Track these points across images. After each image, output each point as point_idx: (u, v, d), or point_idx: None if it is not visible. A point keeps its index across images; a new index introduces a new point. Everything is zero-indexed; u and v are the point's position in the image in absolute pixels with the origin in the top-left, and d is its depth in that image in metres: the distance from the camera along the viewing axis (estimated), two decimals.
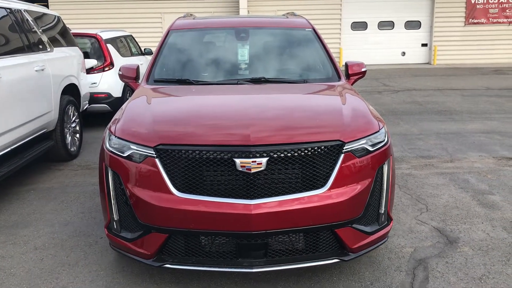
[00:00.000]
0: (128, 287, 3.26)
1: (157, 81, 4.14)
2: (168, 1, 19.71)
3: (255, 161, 2.79)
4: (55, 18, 6.75)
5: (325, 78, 4.18)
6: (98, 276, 3.41)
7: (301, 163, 2.88)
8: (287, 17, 5.08)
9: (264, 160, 2.80)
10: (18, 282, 3.34)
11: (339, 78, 4.19)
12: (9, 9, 5.38)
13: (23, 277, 3.42)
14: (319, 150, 2.90)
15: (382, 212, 3.19)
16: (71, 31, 7.66)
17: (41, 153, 5.58)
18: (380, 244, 3.27)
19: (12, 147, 4.92)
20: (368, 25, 20.55)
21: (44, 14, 6.40)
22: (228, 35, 4.59)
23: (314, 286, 3.26)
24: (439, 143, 7.14)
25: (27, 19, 5.72)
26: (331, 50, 4.59)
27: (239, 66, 4.31)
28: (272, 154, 2.82)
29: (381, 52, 20.58)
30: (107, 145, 3.16)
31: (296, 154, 2.86)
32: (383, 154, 3.14)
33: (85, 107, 7.40)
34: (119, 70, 4.44)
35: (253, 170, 2.79)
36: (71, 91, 6.59)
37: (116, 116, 3.45)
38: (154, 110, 3.33)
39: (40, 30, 5.97)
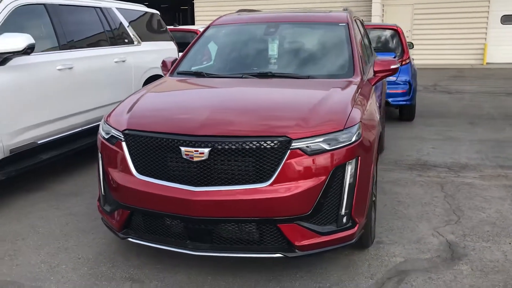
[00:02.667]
0: (116, 253, 3.67)
1: (180, 73, 4.44)
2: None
3: (198, 151, 2.94)
4: (149, 15, 7.51)
5: (336, 74, 4.05)
6: (99, 243, 3.87)
7: (245, 156, 2.93)
8: (330, 11, 4.99)
9: (206, 150, 2.93)
10: (38, 238, 3.97)
11: (354, 74, 4.02)
12: (98, 7, 6.20)
13: (44, 235, 4.04)
14: (264, 144, 2.92)
15: (343, 213, 3.08)
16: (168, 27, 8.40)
17: None
18: (340, 246, 3.14)
19: (85, 127, 5.71)
20: None
21: (138, 11, 7.19)
22: (258, 31, 4.68)
23: (273, 279, 3.28)
24: None
25: (116, 17, 6.50)
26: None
27: (258, 61, 4.41)
28: (215, 145, 2.94)
29: None
30: (100, 130, 3.58)
31: (240, 147, 2.93)
32: (346, 154, 3.02)
33: None
34: (161, 62, 4.86)
35: (195, 159, 2.95)
36: None
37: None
38: (141, 99, 3.65)
39: (128, 26, 6.73)
